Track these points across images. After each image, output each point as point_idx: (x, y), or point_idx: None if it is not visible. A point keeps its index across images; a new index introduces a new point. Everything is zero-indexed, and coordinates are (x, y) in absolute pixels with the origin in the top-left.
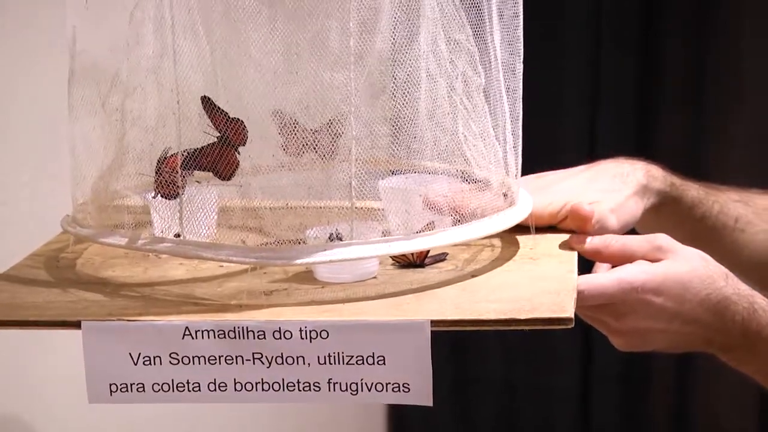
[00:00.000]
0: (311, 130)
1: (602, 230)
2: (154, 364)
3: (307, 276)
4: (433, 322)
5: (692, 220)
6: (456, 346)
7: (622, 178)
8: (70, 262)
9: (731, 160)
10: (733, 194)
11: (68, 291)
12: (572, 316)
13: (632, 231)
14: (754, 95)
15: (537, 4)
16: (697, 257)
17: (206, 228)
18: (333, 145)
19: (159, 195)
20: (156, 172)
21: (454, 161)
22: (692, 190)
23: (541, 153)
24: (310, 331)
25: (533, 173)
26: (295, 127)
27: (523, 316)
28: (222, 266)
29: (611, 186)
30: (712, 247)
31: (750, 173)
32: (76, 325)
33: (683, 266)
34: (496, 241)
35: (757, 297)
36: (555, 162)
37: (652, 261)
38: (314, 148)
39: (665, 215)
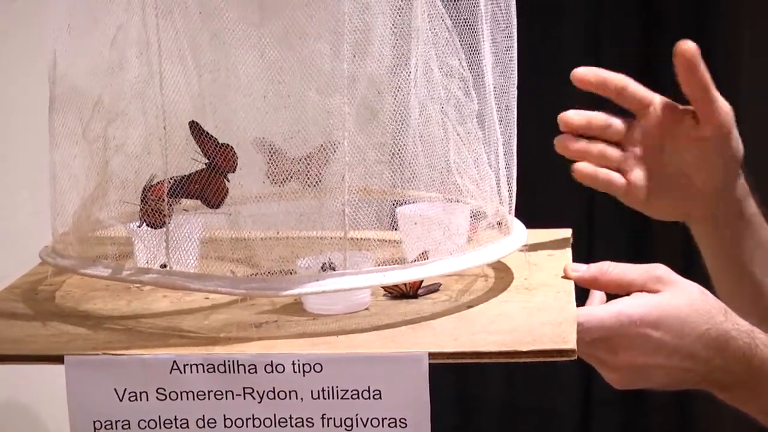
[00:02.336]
0: (296, 158)
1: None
2: (141, 399)
3: (296, 308)
4: (431, 355)
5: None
6: (457, 369)
7: None
8: (49, 294)
9: None
10: None
11: (49, 324)
12: (575, 347)
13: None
14: (753, 112)
15: (534, 24)
16: (696, 291)
17: (193, 258)
18: (318, 173)
19: (144, 224)
20: (141, 201)
21: (448, 189)
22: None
23: (540, 172)
24: (304, 365)
25: (531, 206)
26: (280, 154)
27: (524, 348)
28: (208, 298)
29: None
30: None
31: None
32: (59, 360)
33: (682, 299)
34: (490, 271)
35: (758, 332)
36: (554, 182)
37: (650, 292)
38: (298, 177)
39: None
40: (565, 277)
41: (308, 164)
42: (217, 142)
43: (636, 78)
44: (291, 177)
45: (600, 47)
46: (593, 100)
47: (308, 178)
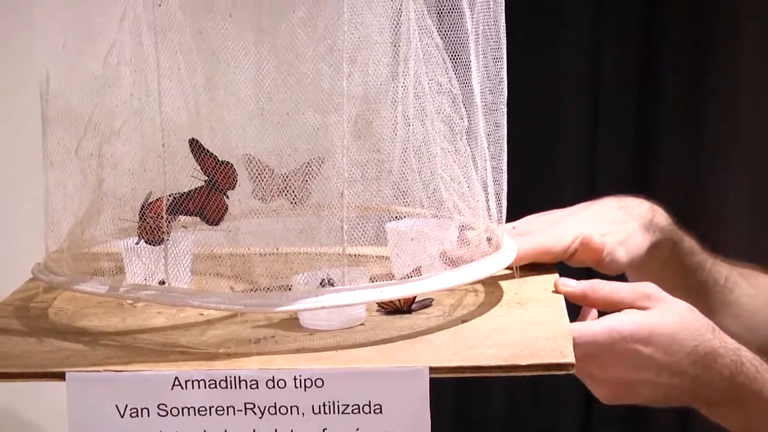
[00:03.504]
0: (281, 174)
1: (612, 263)
2: (142, 416)
3: (292, 323)
4: (432, 369)
5: (688, 268)
6: (459, 384)
7: (628, 211)
8: (41, 311)
9: (730, 195)
10: (717, 258)
11: (45, 341)
12: (573, 361)
13: (624, 278)
14: (753, 112)
15: (534, 36)
16: (684, 308)
17: (189, 274)
18: (306, 189)
19: (142, 241)
20: (140, 218)
21: (439, 206)
22: (688, 238)
23: (538, 188)
24: (305, 380)
25: (530, 207)
26: (266, 171)
27: (523, 362)
28: (202, 314)
29: (618, 218)
30: (703, 301)
31: (749, 205)
32: (60, 376)
33: (672, 317)
34: (479, 286)
35: (743, 350)
36: (552, 196)
37: (640, 309)
38: (285, 193)
39: (666, 257)
40: (556, 291)
41: (294, 180)
42: (217, 160)
43: (636, 78)
44: (278, 194)
45: (600, 47)
46: (592, 101)
47: (295, 195)
